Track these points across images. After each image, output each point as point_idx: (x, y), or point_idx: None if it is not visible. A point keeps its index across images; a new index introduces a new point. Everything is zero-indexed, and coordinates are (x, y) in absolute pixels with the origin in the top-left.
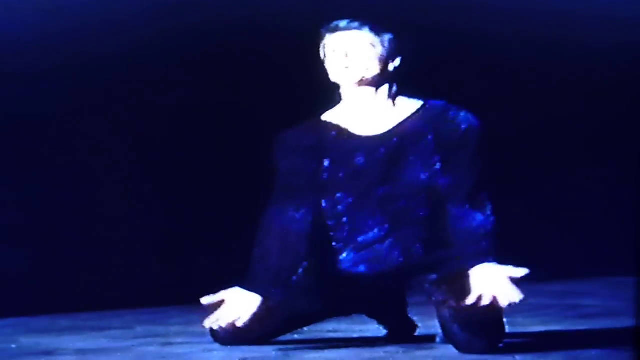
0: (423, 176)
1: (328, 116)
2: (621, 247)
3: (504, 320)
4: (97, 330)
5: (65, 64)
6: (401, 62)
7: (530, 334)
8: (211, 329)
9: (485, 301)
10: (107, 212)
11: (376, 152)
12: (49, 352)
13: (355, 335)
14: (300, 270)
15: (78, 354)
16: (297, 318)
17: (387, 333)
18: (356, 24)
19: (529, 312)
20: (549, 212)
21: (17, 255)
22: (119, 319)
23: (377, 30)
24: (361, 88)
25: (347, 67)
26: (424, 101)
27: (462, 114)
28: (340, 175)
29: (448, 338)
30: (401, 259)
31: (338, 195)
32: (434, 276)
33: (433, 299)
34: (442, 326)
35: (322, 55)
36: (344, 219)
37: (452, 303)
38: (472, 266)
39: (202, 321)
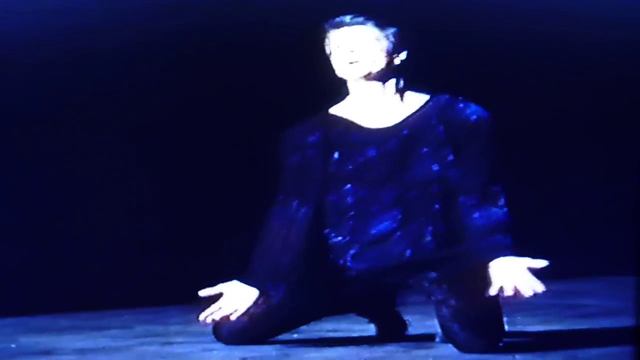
0: (435, 167)
1: (336, 110)
2: (621, 247)
3: (504, 319)
4: (97, 329)
5: (65, 63)
6: (407, 55)
7: (530, 334)
8: (213, 329)
9: (508, 292)
10: (107, 212)
11: (387, 145)
12: (48, 352)
13: (355, 335)
14: (300, 266)
15: (78, 354)
16: (297, 316)
17: (377, 331)
18: (360, 19)
19: (529, 311)
20: (548, 212)
21: (17, 254)
22: (119, 319)
23: (381, 24)
24: (368, 82)
25: (353, 62)
26: (431, 95)
27: (471, 105)
28: (350, 168)
29: (448, 337)
30: (409, 254)
31: (347, 187)
32: (433, 274)
33: (432, 298)
34: (442, 326)
35: (327, 51)
36: (351, 213)
37: (452, 302)
38: (490, 259)
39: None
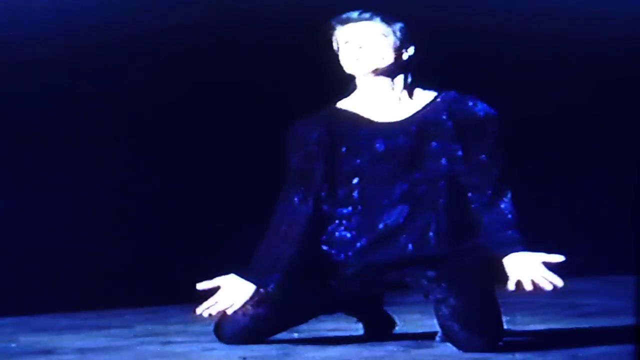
0: (444, 162)
1: (343, 104)
2: (621, 246)
3: (503, 318)
4: (97, 329)
5: (66, 60)
6: (415, 50)
7: (530, 333)
8: (214, 328)
9: (527, 287)
10: (107, 211)
11: (395, 139)
12: (48, 351)
13: (355, 334)
14: (298, 262)
15: (78, 353)
16: (292, 314)
17: (365, 331)
18: (367, 15)
19: (529, 310)
20: (548, 211)
21: (17, 254)
22: (119, 318)
23: (388, 20)
24: (376, 78)
25: (361, 58)
26: (437, 92)
27: (480, 103)
28: (357, 162)
29: (447, 337)
30: (411, 249)
31: (354, 182)
32: (432, 273)
33: (431, 297)
34: (442, 325)
35: (334, 47)
36: (359, 207)
37: (452, 301)
38: (504, 254)
39: (201, 320)
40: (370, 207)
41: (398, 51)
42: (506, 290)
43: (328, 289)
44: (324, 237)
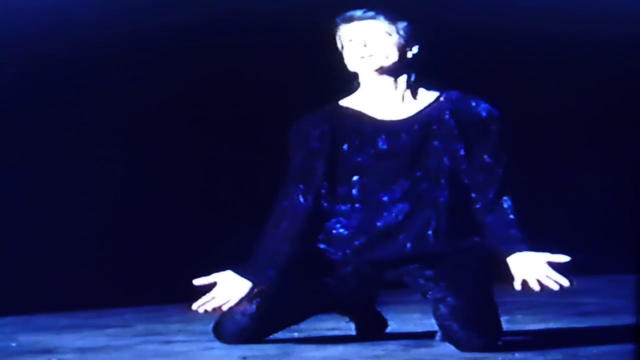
0: (446, 161)
1: (346, 102)
2: (621, 244)
3: (501, 318)
4: (97, 328)
5: (67, 59)
6: (419, 49)
7: (530, 332)
8: (213, 328)
9: (534, 286)
10: (107, 210)
11: (398, 137)
12: (48, 350)
13: (355, 333)
14: (295, 260)
15: (78, 352)
16: (288, 313)
17: (357, 330)
18: (371, 13)
19: (528, 309)
20: (547, 210)
21: (17, 253)
22: (119, 317)
23: (392, 18)
24: (380, 76)
25: (365, 57)
26: (440, 91)
27: (483, 103)
28: (359, 159)
29: (447, 336)
30: (410, 247)
31: (355, 179)
32: (429, 272)
33: (429, 296)
34: (441, 325)
35: (338, 45)
36: (357, 205)
37: (451, 300)
38: (507, 252)
39: (201, 319)
40: (370, 204)
41: (402, 50)
42: (508, 289)
43: (325, 288)
44: (321, 235)
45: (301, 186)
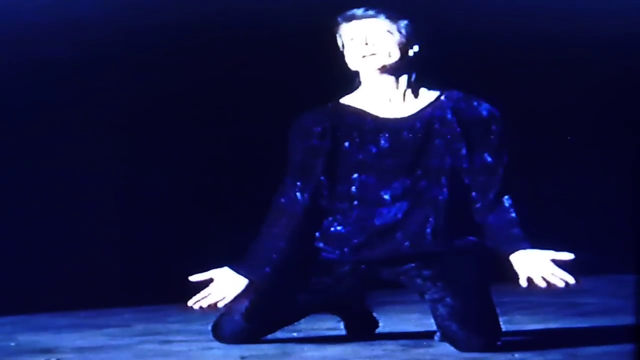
0: (447, 160)
1: (347, 100)
2: (621, 245)
3: (500, 318)
4: (96, 328)
5: (67, 59)
6: (420, 48)
7: (530, 332)
8: (212, 328)
9: (539, 283)
10: (107, 210)
11: (399, 135)
12: (48, 350)
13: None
14: (292, 258)
15: (77, 352)
16: (285, 312)
17: (346, 330)
18: (372, 12)
19: (528, 309)
20: (547, 209)
21: (16, 253)
22: (118, 317)
23: (393, 17)
24: (382, 75)
25: (367, 55)
26: (440, 91)
27: (483, 102)
28: (360, 157)
29: (446, 336)
30: (407, 246)
31: (354, 177)
32: (427, 272)
33: (427, 296)
34: (439, 325)
35: (339, 44)
36: (355, 202)
37: (449, 301)
38: (510, 250)
39: (200, 319)
40: (369, 202)
41: (403, 48)
42: (507, 289)
43: (321, 287)
44: (319, 233)
45: (299, 183)
